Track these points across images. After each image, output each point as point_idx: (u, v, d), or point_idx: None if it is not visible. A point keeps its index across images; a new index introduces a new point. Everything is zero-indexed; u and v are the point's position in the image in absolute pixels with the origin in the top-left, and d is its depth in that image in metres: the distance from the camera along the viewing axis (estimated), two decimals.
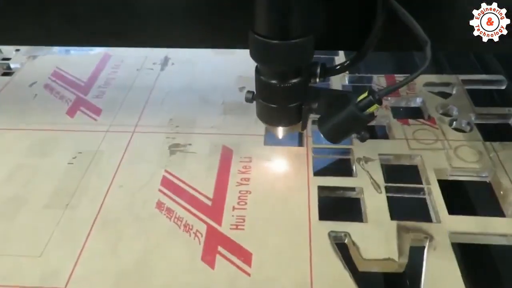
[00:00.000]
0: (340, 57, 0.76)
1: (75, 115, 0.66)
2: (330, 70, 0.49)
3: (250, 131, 0.62)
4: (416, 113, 0.67)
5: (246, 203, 0.52)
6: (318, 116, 0.48)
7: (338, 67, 0.49)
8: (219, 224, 0.49)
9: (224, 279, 0.44)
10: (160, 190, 0.54)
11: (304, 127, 0.50)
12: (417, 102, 0.68)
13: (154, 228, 0.49)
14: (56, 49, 0.84)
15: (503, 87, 0.70)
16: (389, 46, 0.50)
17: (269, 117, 0.49)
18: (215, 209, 0.51)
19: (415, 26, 0.39)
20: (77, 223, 0.50)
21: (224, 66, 0.75)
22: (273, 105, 0.46)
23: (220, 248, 0.47)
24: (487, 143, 0.58)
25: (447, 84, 0.70)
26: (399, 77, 0.71)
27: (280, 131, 0.51)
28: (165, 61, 0.78)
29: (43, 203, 0.52)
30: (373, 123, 0.64)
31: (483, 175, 0.55)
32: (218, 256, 0.46)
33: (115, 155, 0.59)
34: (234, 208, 0.51)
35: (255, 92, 0.48)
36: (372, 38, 0.44)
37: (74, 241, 0.48)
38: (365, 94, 0.41)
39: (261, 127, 0.62)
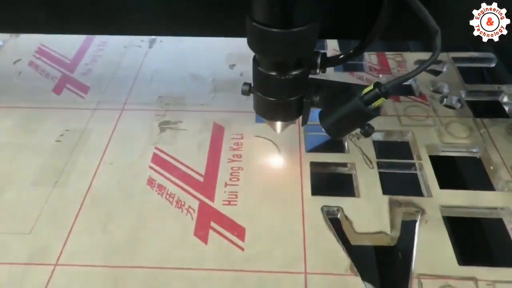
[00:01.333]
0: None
1: (61, 93, 0.65)
2: (331, 60, 0.45)
3: (241, 108, 0.61)
4: (407, 90, 0.67)
5: (238, 179, 0.51)
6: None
7: (341, 56, 0.45)
8: (212, 200, 0.49)
9: (217, 254, 0.44)
10: (150, 167, 0.53)
11: (304, 122, 0.47)
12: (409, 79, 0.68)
13: (146, 205, 0.49)
14: None
15: (493, 65, 0.70)
16: (395, 35, 0.47)
17: (268, 111, 0.45)
18: (207, 185, 0.51)
19: (425, 14, 0.36)
20: (66, 201, 0.49)
21: (214, 43, 0.73)
22: (272, 99, 0.43)
23: (213, 224, 0.46)
24: (477, 119, 0.58)
25: (438, 62, 0.70)
26: (390, 55, 0.71)
27: (279, 126, 0.48)
28: (154, 38, 0.77)
29: (31, 180, 0.51)
30: None
31: (474, 151, 0.55)
32: (211, 231, 0.46)
33: (103, 133, 0.58)
34: (226, 184, 0.51)
35: (252, 84, 0.44)
36: (378, 27, 0.41)
37: (64, 218, 0.47)
38: (371, 87, 0.38)
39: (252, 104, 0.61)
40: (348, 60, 0.46)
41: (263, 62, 0.41)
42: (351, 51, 0.44)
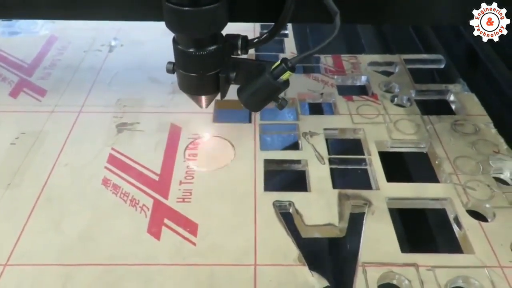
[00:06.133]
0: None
1: (18, 96, 0.65)
2: (250, 43, 0.49)
3: (199, 109, 0.61)
4: (360, 90, 0.69)
5: (193, 178, 0.52)
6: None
7: (256, 40, 0.50)
8: (166, 197, 0.50)
9: (169, 249, 0.44)
10: (106, 168, 0.53)
11: (223, 95, 0.51)
12: (362, 80, 0.70)
13: (99, 204, 0.49)
14: None
15: (442, 66, 0.74)
16: (304, 19, 0.52)
17: (189, 86, 0.50)
18: (162, 184, 0.51)
19: None
20: (19, 201, 0.49)
21: None
22: (191, 74, 0.47)
23: (166, 221, 0.47)
24: (425, 116, 0.61)
25: (390, 64, 0.73)
26: (345, 57, 0.74)
27: (203, 101, 0.52)
28: (114, 43, 0.77)
29: None
30: (319, 100, 0.66)
31: (421, 146, 0.58)
32: (164, 228, 0.46)
33: (60, 135, 0.58)
34: (181, 183, 0.52)
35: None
36: (287, 11, 0.45)
37: (16, 219, 0.47)
38: (278, 63, 0.44)
39: (210, 105, 0.62)
40: (265, 42, 0.50)
41: (181, 40, 0.46)
42: (267, 34, 0.49)
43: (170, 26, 0.44)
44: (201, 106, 0.53)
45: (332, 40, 0.42)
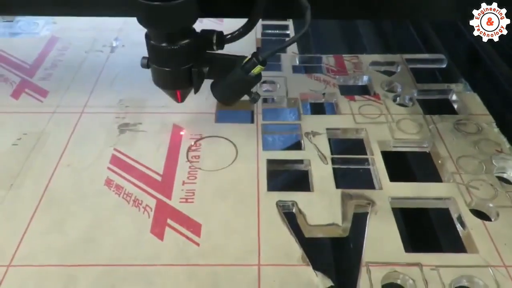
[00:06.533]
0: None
1: (19, 97, 0.64)
2: (225, 39, 0.50)
3: (201, 109, 0.62)
4: (363, 90, 0.69)
5: (196, 178, 0.52)
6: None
7: (229, 36, 0.50)
8: (169, 198, 0.50)
9: (172, 249, 0.44)
10: (109, 168, 0.53)
11: (196, 90, 0.52)
12: (364, 80, 0.70)
13: (102, 205, 0.49)
14: (0, 31, 0.80)
15: (444, 66, 0.74)
16: (276, 14, 0.54)
17: (163, 81, 0.50)
18: (165, 184, 0.51)
19: None
20: (21, 203, 0.49)
21: None
22: (165, 69, 0.48)
23: (169, 221, 0.47)
24: (427, 116, 0.61)
25: (392, 63, 0.73)
26: (346, 57, 0.74)
27: (177, 95, 0.53)
28: (115, 44, 0.77)
29: None
30: (321, 100, 0.66)
31: (424, 146, 0.58)
32: (167, 228, 0.46)
33: (62, 136, 0.58)
34: (184, 183, 0.51)
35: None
36: (259, 6, 0.46)
37: (19, 220, 0.47)
38: (249, 57, 0.45)
39: (212, 105, 0.62)
40: (240, 38, 0.50)
41: (153, 35, 0.46)
42: (241, 29, 0.50)
43: (141, 21, 0.45)
44: (176, 101, 0.53)
45: (301, 36, 0.44)
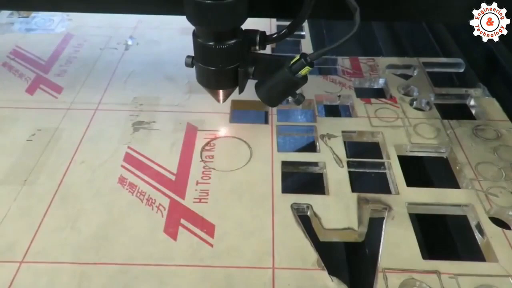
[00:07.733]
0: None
1: (34, 93, 0.65)
2: (269, 38, 0.50)
3: (215, 109, 0.61)
4: (378, 93, 0.68)
5: (210, 178, 0.52)
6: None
7: (275, 35, 0.50)
8: (183, 197, 0.49)
9: (186, 250, 0.44)
10: (122, 166, 0.53)
11: (241, 90, 0.51)
12: (380, 83, 0.69)
13: (115, 203, 0.48)
14: (16, 27, 0.81)
15: (461, 70, 0.72)
16: (324, 14, 0.52)
17: (208, 80, 0.50)
18: (178, 184, 0.51)
19: None
20: (35, 199, 0.49)
21: (190, 45, 0.73)
22: (210, 68, 0.48)
23: (183, 221, 0.47)
24: (445, 121, 0.60)
25: (408, 67, 0.72)
26: (362, 59, 0.73)
27: (220, 95, 0.53)
28: (130, 42, 0.77)
29: None
30: (336, 102, 0.66)
31: (441, 151, 0.57)
32: (180, 228, 0.46)
33: (76, 132, 0.58)
34: (198, 183, 0.51)
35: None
36: (307, 6, 0.46)
37: (32, 216, 0.47)
38: (297, 57, 0.44)
39: (226, 105, 0.62)
40: (284, 38, 0.50)
41: (201, 34, 0.46)
42: (285, 30, 0.49)
43: (191, 19, 0.44)
44: (218, 100, 0.53)
45: (351, 37, 0.42)
